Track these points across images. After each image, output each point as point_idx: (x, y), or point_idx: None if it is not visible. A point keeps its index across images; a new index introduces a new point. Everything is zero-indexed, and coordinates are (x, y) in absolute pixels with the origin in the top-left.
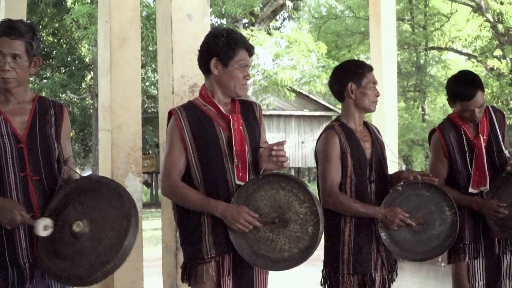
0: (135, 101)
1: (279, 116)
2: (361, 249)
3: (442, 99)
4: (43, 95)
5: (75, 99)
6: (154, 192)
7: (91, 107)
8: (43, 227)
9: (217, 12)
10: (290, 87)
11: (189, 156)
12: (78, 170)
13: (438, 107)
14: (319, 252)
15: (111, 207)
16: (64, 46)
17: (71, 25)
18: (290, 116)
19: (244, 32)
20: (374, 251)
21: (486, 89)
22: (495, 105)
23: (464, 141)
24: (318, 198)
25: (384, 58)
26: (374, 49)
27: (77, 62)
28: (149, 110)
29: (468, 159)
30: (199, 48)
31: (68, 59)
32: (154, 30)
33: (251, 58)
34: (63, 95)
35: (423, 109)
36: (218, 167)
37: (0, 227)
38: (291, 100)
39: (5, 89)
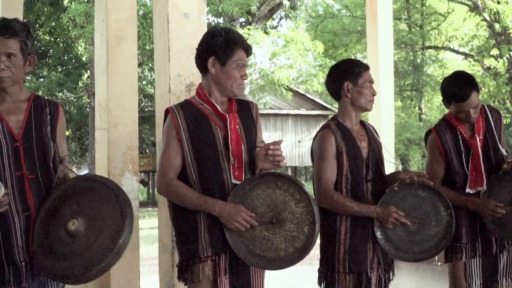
0: (131, 99)
1: (276, 115)
2: (357, 248)
3: (439, 98)
4: (39, 94)
5: (72, 98)
6: (150, 191)
7: (88, 106)
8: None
9: (213, 11)
10: (287, 86)
11: (185, 155)
12: (74, 169)
13: (435, 106)
14: (316, 251)
15: (106, 205)
16: (61, 45)
17: (67, 24)
18: (287, 115)
19: (241, 31)
20: (370, 250)
21: (483, 88)
22: (491, 104)
23: (460, 141)
24: (314, 197)
25: (381, 57)
26: (371, 48)
27: (73, 61)
28: (146, 109)
29: (464, 159)
30: (196, 47)
31: (65, 58)
32: (150, 29)
33: (248, 58)
34: (60, 94)
35: (419, 108)
36: (214, 166)
37: None
38: (288, 99)
39: (0, 88)
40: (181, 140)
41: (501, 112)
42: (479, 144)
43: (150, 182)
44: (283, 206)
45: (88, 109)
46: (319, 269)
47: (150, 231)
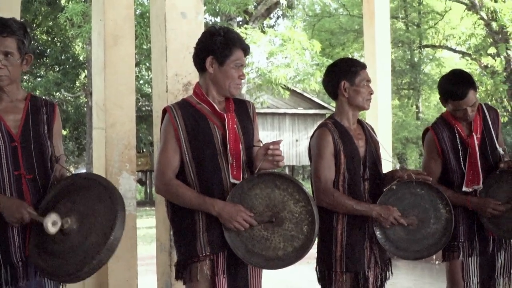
0: (129, 99)
1: (273, 114)
2: (354, 247)
3: (436, 97)
4: (37, 93)
5: (69, 98)
6: (148, 191)
7: (85, 105)
8: (52, 222)
9: (211, 10)
10: (284, 85)
11: (184, 154)
12: (72, 169)
13: (432, 105)
14: (314, 250)
15: (99, 203)
16: (58, 44)
17: (65, 23)
18: (284, 114)
19: (238, 30)
20: (367, 249)
21: (480, 87)
22: (489, 103)
23: (458, 140)
24: (313, 197)
25: (378, 56)
26: (368, 47)
27: (71, 60)
28: (143, 108)
29: (461, 158)
30: (194, 46)
31: (62, 57)
32: (148, 28)
33: (246, 57)
34: (57, 93)
35: (417, 107)
36: (213, 165)
37: None
38: (285, 98)
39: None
40: (179, 139)
41: (498, 110)
42: (476, 142)
43: (147, 182)
44: (282, 206)
45: (85, 109)
46: (316, 268)
47: (147, 231)
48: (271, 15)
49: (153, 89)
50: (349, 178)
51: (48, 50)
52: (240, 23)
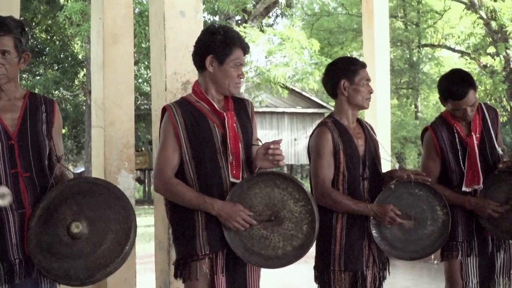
0: (128, 97)
1: (271, 113)
2: (353, 246)
3: (435, 96)
4: (36, 91)
5: (68, 96)
6: (146, 189)
7: (84, 104)
8: (0, 195)
9: (209, 9)
10: (283, 84)
11: (183, 153)
12: (70, 167)
13: (431, 104)
14: (312, 249)
15: (109, 210)
16: (57, 43)
17: (64, 22)
18: (283, 113)
19: (237, 29)
20: (366, 248)
21: (479, 87)
22: (488, 102)
23: (457, 139)
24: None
25: (377, 56)
26: (367, 46)
27: (70, 59)
28: (142, 107)
29: (461, 158)
30: (194, 45)
31: (61, 56)
32: (146, 27)
33: (245, 56)
34: (56, 92)
35: (416, 107)
36: (212, 164)
37: None
38: (284, 97)
39: None
40: (179, 138)
41: (497, 110)
42: (475, 142)
43: (146, 180)
44: (281, 205)
45: (84, 107)
46: (314, 267)
47: (146, 229)
48: (270, 14)
49: (152, 88)
50: (348, 177)
51: (47, 48)
52: (239, 22)
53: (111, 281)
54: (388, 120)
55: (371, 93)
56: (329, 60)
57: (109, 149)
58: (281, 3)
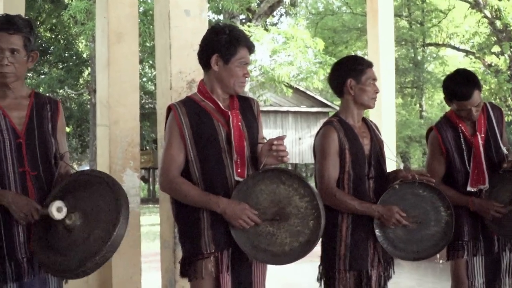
0: (132, 96)
1: (276, 112)
2: (358, 245)
3: (440, 95)
4: (40, 90)
5: (73, 95)
6: (151, 188)
7: (89, 102)
8: (56, 209)
9: (214, 8)
10: (287, 83)
11: (188, 152)
12: (75, 166)
13: (436, 103)
14: (317, 248)
15: (101, 199)
16: (62, 42)
17: (68, 21)
18: (287, 112)
19: (241, 28)
20: (371, 247)
21: (484, 86)
22: (493, 101)
23: (462, 139)
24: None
25: (381, 55)
26: (371, 45)
27: (74, 57)
28: (146, 106)
29: (466, 158)
30: (198, 44)
31: (66, 54)
32: (151, 26)
33: (251, 56)
34: (61, 90)
35: (420, 106)
36: (217, 163)
37: None
38: (288, 96)
39: (2, 83)
40: (184, 137)
41: (502, 109)
42: (480, 142)
43: (150, 179)
44: (287, 201)
45: (88, 106)
46: (319, 266)
47: (150, 228)
48: (274, 13)
49: (157, 87)
50: (354, 176)
51: (52, 47)
52: (243, 21)
53: (116, 280)
54: (393, 120)
55: (377, 92)
56: (334, 59)
57: (114, 148)
58: (286, 2)
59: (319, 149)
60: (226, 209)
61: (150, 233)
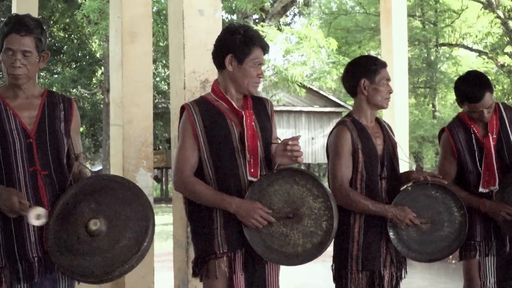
0: (146, 96)
1: (289, 112)
2: (370, 245)
3: (453, 95)
4: (53, 90)
5: (86, 94)
6: (164, 188)
7: (102, 102)
8: (35, 216)
9: (227, 7)
10: (300, 83)
11: (202, 152)
12: (88, 165)
13: (449, 103)
14: (330, 248)
15: (128, 207)
16: (75, 41)
17: (82, 20)
18: (300, 112)
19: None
20: (384, 247)
21: (496, 86)
22: (505, 102)
23: (473, 140)
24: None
25: (395, 55)
26: (385, 45)
27: (87, 57)
28: (159, 106)
29: (477, 159)
30: (212, 44)
31: (79, 54)
32: (164, 26)
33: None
34: (74, 90)
35: (433, 106)
36: (231, 162)
37: (9, 222)
38: (301, 96)
39: (14, 84)
40: (197, 136)
41: None
42: (492, 143)
43: (163, 179)
44: (300, 202)
45: (101, 105)
46: (332, 266)
47: (163, 228)
48: (288, 13)
49: (170, 87)
50: (366, 176)
51: (65, 47)
52: (257, 20)
53: (129, 279)
54: (406, 120)
55: (390, 93)
56: (347, 59)
57: (128, 147)
58: (299, 2)
59: (332, 149)
60: (239, 208)
61: (162, 232)
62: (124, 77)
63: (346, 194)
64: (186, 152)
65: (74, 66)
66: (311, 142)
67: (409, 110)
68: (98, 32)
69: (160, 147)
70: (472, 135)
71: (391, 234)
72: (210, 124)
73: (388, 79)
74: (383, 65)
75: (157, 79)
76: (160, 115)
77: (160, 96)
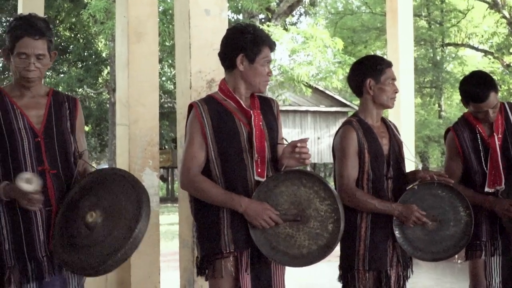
0: (152, 96)
1: (295, 111)
2: (377, 245)
3: (458, 95)
4: (59, 89)
5: (92, 94)
6: (170, 187)
7: (108, 101)
8: (25, 180)
9: (233, 7)
10: (306, 82)
11: (209, 150)
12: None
13: (455, 103)
14: (336, 249)
15: (123, 197)
16: (81, 41)
17: (88, 20)
18: (306, 111)
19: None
20: (390, 247)
21: (502, 86)
22: (511, 101)
23: (479, 140)
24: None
25: (401, 54)
26: (391, 45)
27: (93, 57)
28: (165, 105)
29: (483, 159)
30: (223, 44)
31: (85, 54)
32: (170, 25)
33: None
34: (80, 89)
35: (439, 106)
36: (238, 162)
37: (18, 221)
38: (307, 96)
39: (24, 86)
40: (205, 135)
41: None
42: (497, 143)
43: (169, 178)
44: (307, 204)
45: (107, 105)
46: (339, 266)
47: (169, 227)
48: (294, 13)
49: (176, 86)
50: (373, 176)
51: (71, 46)
52: (263, 20)
53: (134, 279)
54: (412, 119)
55: (396, 92)
56: (353, 59)
57: (134, 147)
58: (305, 1)
59: (338, 149)
60: (247, 208)
61: (168, 232)
62: (130, 76)
63: (353, 194)
64: (194, 150)
65: (80, 65)
66: (317, 142)
67: (415, 110)
68: (104, 32)
69: (166, 146)
70: (478, 135)
71: (396, 233)
72: (219, 123)
73: (394, 79)
74: (389, 64)
75: (163, 78)
76: (166, 115)
77: (166, 95)
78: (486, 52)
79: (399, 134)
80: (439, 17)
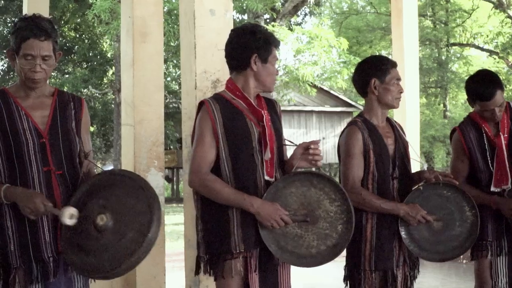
0: (157, 96)
1: (300, 111)
2: (383, 245)
3: (464, 95)
4: (65, 90)
5: (97, 94)
6: (175, 187)
7: (113, 102)
8: (69, 215)
9: (238, 7)
10: (311, 82)
11: (220, 150)
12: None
13: (460, 103)
14: None
15: (134, 200)
16: (86, 41)
17: (93, 20)
18: (311, 112)
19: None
20: (396, 247)
21: (507, 86)
22: None
23: (485, 140)
24: None
25: (406, 54)
26: (396, 45)
27: (98, 57)
28: (170, 105)
29: (489, 158)
30: (232, 44)
31: (90, 54)
32: (175, 25)
33: None
34: (85, 90)
35: (444, 106)
36: (249, 162)
37: (24, 222)
38: (312, 96)
39: (29, 87)
40: (217, 134)
41: None
42: (503, 142)
43: (174, 179)
44: (316, 204)
45: (113, 105)
46: (345, 266)
47: (174, 227)
48: (298, 13)
49: (181, 86)
50: (378, 176)
51: (76, 47)
52: (267, 20)
53: (140, 279)
54: (417, 119)
55: (401, 92)
56: (358, 59)
57: (139, 147)
58: (310, 1)
59: (344, 149)
60: (259, 208)
61: (173, 232)
62: (135, 77)
63: (358, 194)
64: (205, 148)
65: (85, 66)
66: (322, 142)
67: (420, 110)
68: (109, 32)
69: (171, 147)
70: (484, 134)
71: (402, 233)
72: (229, 122)
73: (399, 79)
74: (394, 64)
75: (168, 79)
76: (171, 115)
77: (171, 96)
78: (491, 52)
79: (405, 134)
80: (444, 17)
